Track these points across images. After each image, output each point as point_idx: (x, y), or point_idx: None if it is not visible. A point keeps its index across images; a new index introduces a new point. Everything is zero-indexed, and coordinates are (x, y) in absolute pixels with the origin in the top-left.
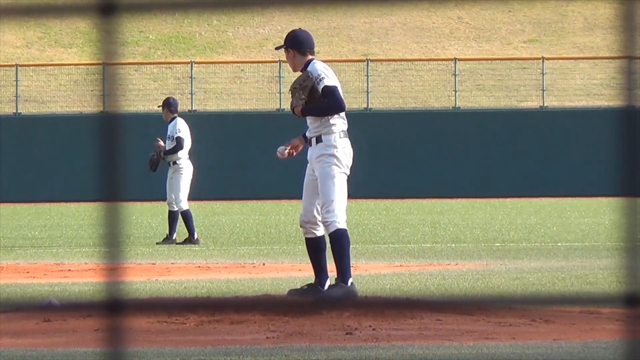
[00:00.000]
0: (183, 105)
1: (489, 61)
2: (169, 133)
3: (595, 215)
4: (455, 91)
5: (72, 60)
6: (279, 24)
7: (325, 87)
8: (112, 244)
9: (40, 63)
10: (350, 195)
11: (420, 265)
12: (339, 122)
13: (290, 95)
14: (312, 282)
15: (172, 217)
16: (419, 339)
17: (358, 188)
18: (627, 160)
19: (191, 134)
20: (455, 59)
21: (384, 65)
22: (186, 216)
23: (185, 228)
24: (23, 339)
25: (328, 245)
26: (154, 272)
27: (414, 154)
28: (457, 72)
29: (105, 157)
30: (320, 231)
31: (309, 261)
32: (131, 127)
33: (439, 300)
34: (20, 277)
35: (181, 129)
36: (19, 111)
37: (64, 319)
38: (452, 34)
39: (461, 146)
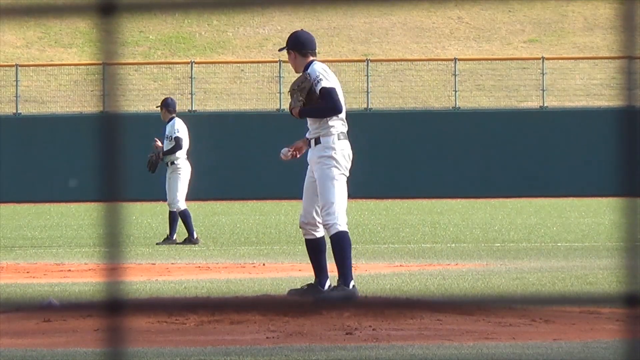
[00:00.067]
0: (183, 106)
1: (489, 61)
2: (167, 133)
3: (595, 215)
4: (455, 91)
5: (72, 60)
6: (279, 24)
7: (323, 88)
8: (112, 244)
9: (40, 63)
10: (350, 196)
11: (420, 265)
12: (338, 124)
13: (289, 96)
14: (312, 282)
15: (172, 217)
16: (419, 339)
17: (358, 188)
18: (627, 160)
19: (190, 134)
20: (455, 59)
21: (384, 65)
22: (184, 216)
23: (185, 228)
24: (23, 339)
25: (328, 245)
26: (154, 272)
27: (414, 154)
28: (457, 72)
29: (105, 157)
30: (319, 232)
31: (309, 261)
32: (131, 127)
33: (439, 300)
34: (20, 277)
35: (179, 129)
36: (19, 111)
37: (64, 319)
38: (452, 34)
39: (461, 146)
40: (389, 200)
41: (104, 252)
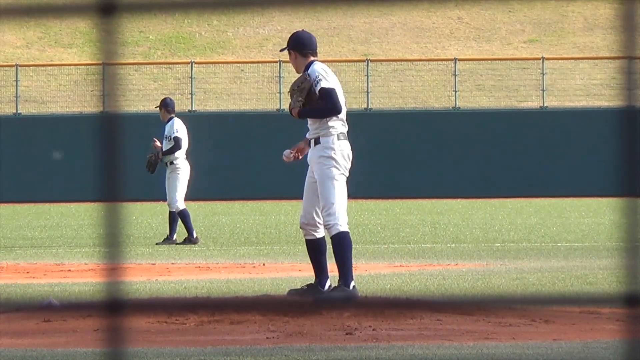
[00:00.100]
0: (183, 106)
1: (489, 61)
2: (166, 133)
3: (595, 215)
4: (455, 91)
5: (72, 60)
6: (279, 24)
7: (322, 89)
8: (112, 244)
9: (40, 63)
10: (350, 196)
11: (420, 265)
12: (338, 125)
13: (289, 97)
14: (312, 282)
15: (172, 217)
16: (419, 339)
17: (358, 188)
18: (627, 160)
19: (190, 134)
20: (455, 59)
21: (384, 65)
22: (183, 216)
23: (184, 228)
24: (23, 339)
25: (329, 245)
26: (154, 272)
27: (414, 154)
28: (457, 72)
29: (105, 157)
30: (320, 233)
31: (309, 262)
32: (131, 127)
33: (439, 300)
34: (20, 277)
35: (178, 128)
36: (19, 111)
37: (64, 319)
38: (452, 34)
39: (461, 146)
40: (389, 200)
41: (104, 252)
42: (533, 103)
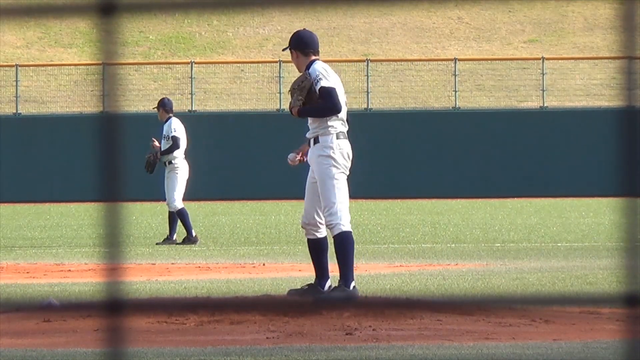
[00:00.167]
0: (183, 106)
1: (489, 61)
2: (164, 133)
3: (595, 215)
4: (455, 91)
5: (72, 60)
6: (279, 24)
7: (322, 88)
8: (112, 244)
9: (40, 63)
10: (350, 196)
11: (420, 265)
12: (337, 124)
13: (290, 95)
14: (312, 282)
15: (172, 217)
16: (419, 339)
17: (358, 188)
18: (627, 160)
19: (190, 134)
20: (455, 59)
21: (384, 65)
22: (182, 215)
23: (183, 227)
24: (23, 339)
25: (330, 245)
26: (154, 272)
27: (414, 154)
28: (457, 72)
29: (105, 157)
30: (321, 233)
31: (310, 261)
32: (131, 127)
33: (439, 300)
34: (20, 277)
35: (177, 128)
36: (19, 111)
37: (64, 319)
38: (452, 34)
39: (461, 146)
40: (389, 200)
41: (104, 252)
42: (533, 103)
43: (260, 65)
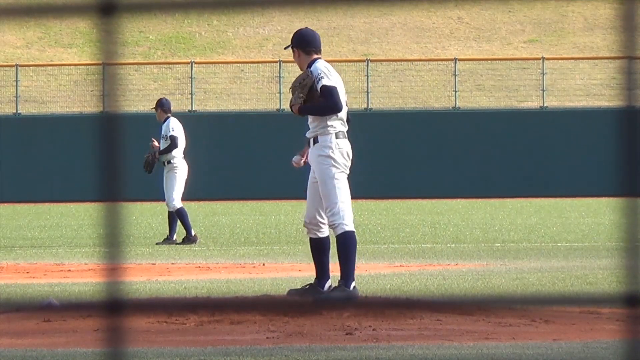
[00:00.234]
0: (183, 106)
1: (489, 61)
2: (163, 133)
3: (595, 215)
4: (455, 91)
5: (72, 60)
6: (279, 24)
7: (324, 86)
8: (112, 244)
9: (40, 63)
10: (351, 196)
11: (420, 265)
12: (337, 124)
13: (291, 93)
14: (312, 282)
15: (172, 217)
16: (419, 339)
17: (358, 188)
18: (627, 160)
19: (190, 134)
20: (455, 59)
21: (384, 65)
22: (180, 214)
23: (182, 227)
24: (23, 339)
25: (332, 245)
26: (154, 272)
27: (414, 154)
28: (457, 72)
29: (105, 157)
30: (323, 233)
31: (310, 261)
32: (131, 127)
33: (439, 300)
34: (20, 277)
35: (175, 127)
36: (19, 111)
37: (64, 319)
38: (452, 34)
39: (461, 146)
40: (389, 200)
41: (104, 252)
42: (533, 103)
43: (260, 65)
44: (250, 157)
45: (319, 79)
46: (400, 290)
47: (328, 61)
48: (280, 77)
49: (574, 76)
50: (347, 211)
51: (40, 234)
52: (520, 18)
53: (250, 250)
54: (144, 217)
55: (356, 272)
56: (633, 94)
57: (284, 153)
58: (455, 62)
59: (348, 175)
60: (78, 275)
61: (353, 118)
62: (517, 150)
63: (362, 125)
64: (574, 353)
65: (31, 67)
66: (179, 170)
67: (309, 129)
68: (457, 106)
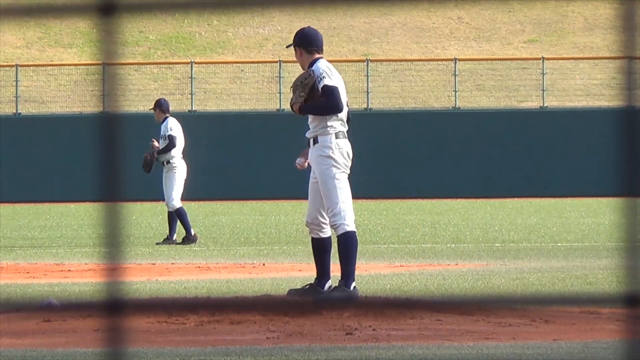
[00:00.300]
0: (183, 106)
1: (489, 61)
2: (161, 133)
3: (595, 215)
4: (455, 91)
5: (72, 60)
6: (279, 24)
7: (325, 86)
8: (112, 244)
9: (40, 63)
10: (351, 196)
11: (420, 265)
12: (337, 124)
13: (292, 92)
14: (312, 282)
15: (172, 217)
16: (419, 339)
17: (358, 188)
18: (627, 160)
19: (190, 134)
20: (455, 59)
21: (384, 65)
22: (180, 214)
23: (182, 226)
24: (23, 339)
25: (333, 246)
26: (154, 272)
27: (414, 154)
28: (457, 72)
29: (105, 157)
30: (325, 233)
31: (311, 261)
32: (131, 127)
33: (439, 300)
34: (20, 277)
35: (173, 127)
36: (19, 111)
37: (64, 319)
38: (452, 34)
39: (461, 146)
40: (389, 200)
41: (104, 252)
42: (533, 103)
43: (260, 65)
44: (250, 157)
45: (321, 79)
46: (400, 290)
47: (328, 61)
48: (280, 77)
49: (574, 76)
50: (348, 211)
51: (40, 234)
52: (520, 18)
53: (250, 250)
54: (144, 217)
55: (356, 272)
56: (633, 94)
57: (284, 153)
58: (455, 62)
59: (348, 175)
60: (78, 275)
61: (353, 118)
62: (517, 150)
63: (362, 125)
64: (574, 353)
65: (31, 67)
66: (178, 170)
67: (309, 129)
68: (457, 106)
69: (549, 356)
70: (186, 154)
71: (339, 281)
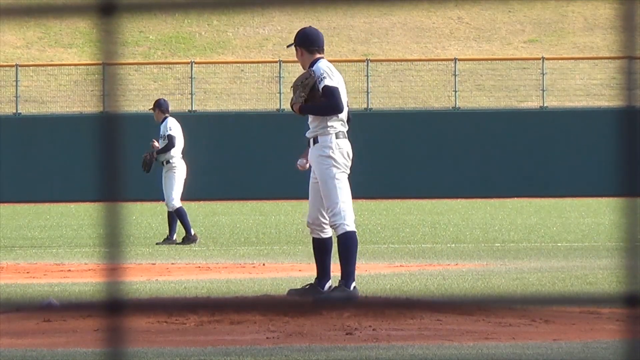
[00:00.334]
0: (183, 106)
1: (489, 61)
2: (161, 133)
3: (595, 215)
4: (455, 91)
5: (72, 60)
6: (279, 24)
7: (326, 87)
8: (112, 244)
9: (40, 63)
10: (351, 196)
11: (420, 265)
12: (337, 124)
13: (292, 92)
14: (312, 282)
15: (171, 217)
16: (419, 339)
17: (358, 188)
18: (627, 160)
19: (190, 134)
20: (455, 59)
21: (384, 65)
22: (180, 214)
23: (182, 226)
24: (23, 339)
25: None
26: (154, 272)
27: (414, 154)
28: (457, 72)
29: (105, 157)
30: (326, 233)
31: (311, 260)
32: (131, 127)
33: (439, 300)
34: (20, 277)
35: (172, 127)
36: (19, 111)
37: (64, 319)
38: (452, 34)
39: (461, 146)
40: (389, 200)
41: (104, 252)
42: (533, 103)
43: (260, 65)
44: (250, 157)
45: (321, 79)
46: (400, 290)
47: (328, 61)
48: (280, 77)
49: (574, 76)
50: (348, 211)
51: (40, 234)
52: (520, 18)
53: (250, 250)
54: (144, 217)
55: (356, 272)
56: (633, 94)
57: (284, 153)
58: (455, 62)
59: (348, 175)
60: (78, 275)
61: (353, 118)
62: (517, 150)
63: (362, 125)
64: (574, 353)
65: (31, 67)
66: (178, 170)
67: (309, 128)
68: (457, 106)
69: (549, 356)
70: (186, 154)
71: (339, 281)
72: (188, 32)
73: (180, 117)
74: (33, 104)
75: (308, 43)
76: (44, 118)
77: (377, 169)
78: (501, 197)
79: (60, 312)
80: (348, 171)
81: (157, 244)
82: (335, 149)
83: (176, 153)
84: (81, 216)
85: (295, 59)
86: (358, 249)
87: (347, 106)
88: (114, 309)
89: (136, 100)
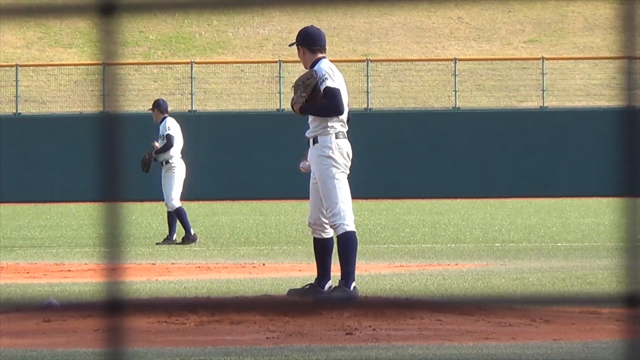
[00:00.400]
0: (183, 106)
1: (489, 61)
2: (160, 133)
3: (595, 215)
4: (455, 91)
5: (72, 60)
6: (279, 24)
7: (327, 88)
8: (112, 244)
9: (40, 63)
10: (351, 196)
11: (420, 265)
12: (337, 125)
13: (293, 91)
14: (312, 282)
15: (171, 217)
16: (419, 339)
17: (358, 188)
18: (627, 160)
19: (190, 134)
20: (455, 59)
21: (384, 65)
22: (179, 213)
23: (182, 226)
24: (23, 339)
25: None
26: (154, 272)
27: (414, 154)
28: (457, 72)
29: (105, 157)
30: (328, 233)
31: (311, 260)
32: (131, 127)
33: (439, 300)
34: (20, 277)
35: (171, 127)
36: (19, 111)
37: (64, 319)
38: (452, 34)
39: (461, 146)
40: (389, 200)
41: (104, 252)
42: (533, 103)
43: (260, 65)
44: (250, 157)
45: (323, 80)
46: (400, 290)
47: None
48: (280, 77)
49: (574, 76)
50: (347, 211)
51: (40, 234)
52: (520, 18)
53: (250, 250)
54: (144, 217)
55: (356, 272)
56: (633, 94)
57: (284, 153)
58: (455, 62)
59: (348, 175)
60: (78, 275)
61: (353, 118)
62: (517, 150)
63: (362, 125)
64: (574, 353)
65: (31, 67)
66: (177, 170)
67: (308, 128)
68: (457, 106)
69: (549, 356)
70: (185, 154)
71: (339, 281)
72: (188, 32)
73: (180, 117)
74: (33, 104)
75: (310, 42)
76: (44, 118)
77: (377, 169)
78: (501, 197)
79: (60, 312)
80: (348, 171)
81: (157, 244)
82: (335, 149)
83: (175, 153)
84: (81, 216)
85: (296, 58)
86: (358, 249)
87: (348, 107)
88: (114, 309)
89: (136, 100)
